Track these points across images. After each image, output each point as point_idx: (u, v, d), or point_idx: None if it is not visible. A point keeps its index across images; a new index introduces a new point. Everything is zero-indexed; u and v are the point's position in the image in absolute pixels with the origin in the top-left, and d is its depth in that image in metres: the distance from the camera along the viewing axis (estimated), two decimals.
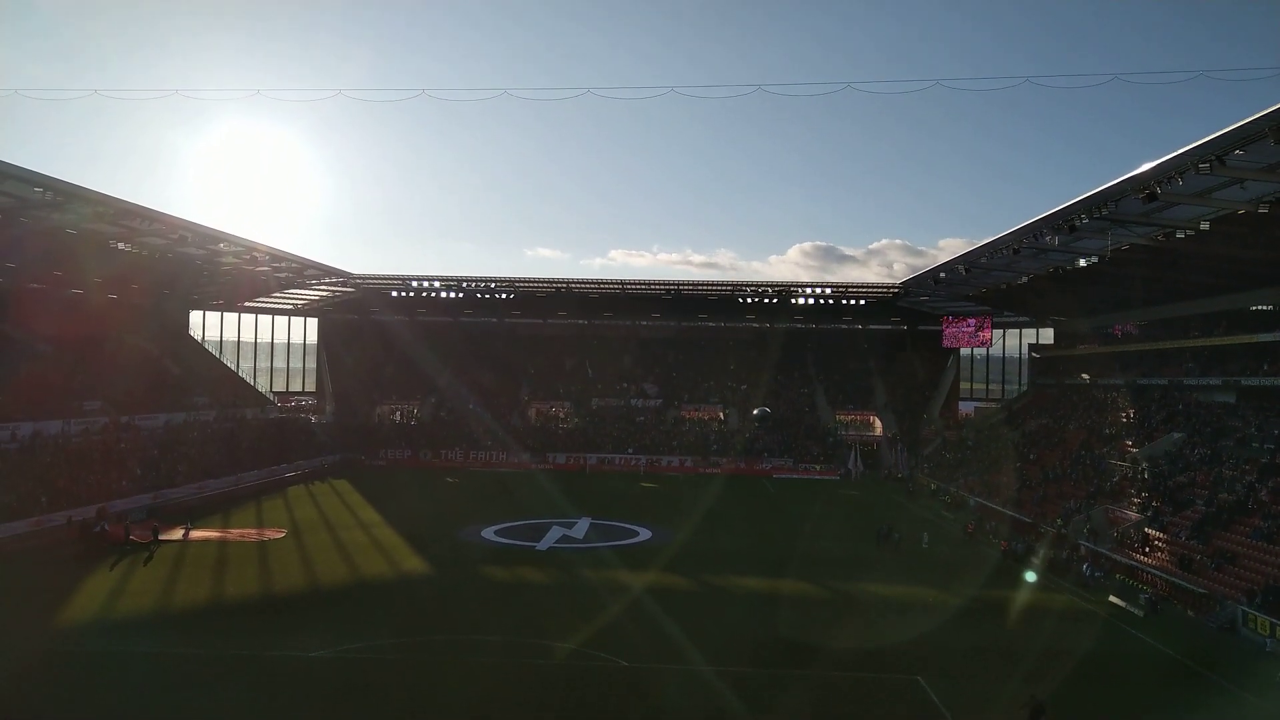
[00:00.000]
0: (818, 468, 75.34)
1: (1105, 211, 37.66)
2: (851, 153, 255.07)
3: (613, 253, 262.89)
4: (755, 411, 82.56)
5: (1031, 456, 60.24)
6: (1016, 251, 47.92)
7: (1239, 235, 38.67)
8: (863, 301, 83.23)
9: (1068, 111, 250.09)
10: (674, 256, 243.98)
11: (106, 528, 41.87)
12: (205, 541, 42.35)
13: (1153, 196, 33.51)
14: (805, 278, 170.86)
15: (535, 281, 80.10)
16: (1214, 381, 51.97)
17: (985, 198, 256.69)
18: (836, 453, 77.66)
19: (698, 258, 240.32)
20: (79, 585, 33.36)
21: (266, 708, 21.70)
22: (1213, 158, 29.48)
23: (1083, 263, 48.41)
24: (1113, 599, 34.72)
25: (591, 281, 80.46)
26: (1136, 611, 32.99)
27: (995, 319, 79.48)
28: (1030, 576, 29.38)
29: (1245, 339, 49.03)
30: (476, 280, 79.29)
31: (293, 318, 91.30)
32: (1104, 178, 39.40)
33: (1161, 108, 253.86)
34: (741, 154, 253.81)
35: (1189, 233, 38.33)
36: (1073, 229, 40.59)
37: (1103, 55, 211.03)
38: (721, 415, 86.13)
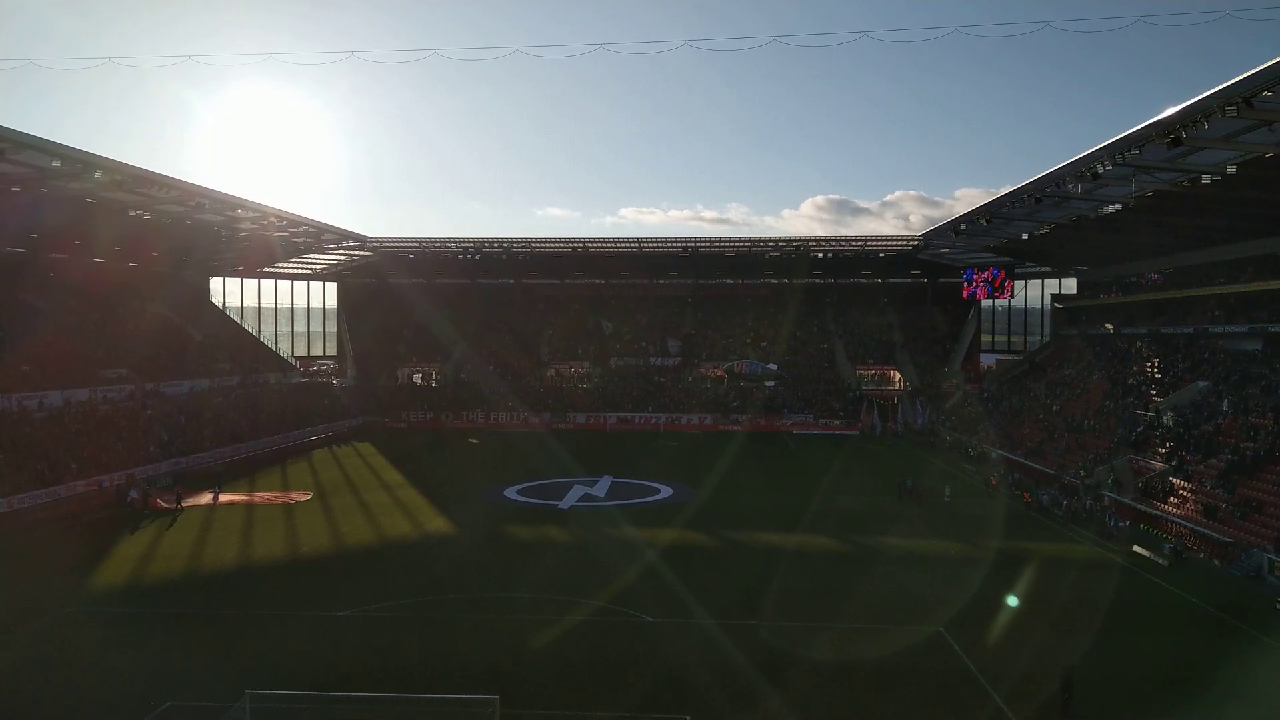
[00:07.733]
0: (837, 423, 75.34)
1: (1129, 158, 36.96)
2: (866, 103, 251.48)
3: (623, 210, 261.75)
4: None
5: (1055, 408, 59.87)
6: (1038, 201, 47.23)
7: (1267, 179, 37.86)
8: (881, 255, 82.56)
9: (1089, 56, 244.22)
10: (685, 213, 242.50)
11: (134, 495, 42.68)
12: (233, 505, 43.01)
13: (1178, 141, 32.85)
14: (820, 231, 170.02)
15: (552, 242, 79.82)
16: (1240, 329, 51.24)
17: (1004, 147, 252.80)
18: (857, 408, 77.49)
19: (709, 213, 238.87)
20: (110, 550, 34.09)
21: (294, 667, 22.00)
22: (1240, 100, 28.80)
23: (1107, 210, 47.65)
24: (1136, 549, 34.64)
25: (608, 241, 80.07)
26: (1161, 561, 32.92)
27: (1017, 270, 78.50)
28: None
29: (1273, 285, 48.10)
30: (493, 242, 79.16)
31: (312, 283, 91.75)
32: (1127, 123, 38.60)
33: (1186, 50, 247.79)
34: (755, 107, 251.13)
35: (1215, 177, 37.61)
36: (1095, 176, 39.93)
37: None
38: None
